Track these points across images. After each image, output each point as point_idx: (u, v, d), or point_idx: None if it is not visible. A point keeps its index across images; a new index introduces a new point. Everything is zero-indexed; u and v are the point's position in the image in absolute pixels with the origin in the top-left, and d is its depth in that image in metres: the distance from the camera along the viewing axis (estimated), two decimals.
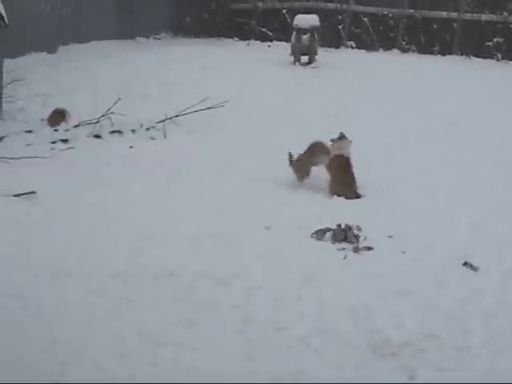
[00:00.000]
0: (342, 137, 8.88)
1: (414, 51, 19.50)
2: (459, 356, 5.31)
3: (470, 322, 5.76)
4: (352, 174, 8.64)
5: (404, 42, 19.87)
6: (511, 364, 5.22)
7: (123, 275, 6.20)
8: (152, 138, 10.87)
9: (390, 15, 20.16)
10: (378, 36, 19.88)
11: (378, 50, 19.52)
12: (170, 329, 5.41)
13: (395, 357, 5.23)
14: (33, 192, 7.98)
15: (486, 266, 6.79)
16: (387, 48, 19.68)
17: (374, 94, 13.88)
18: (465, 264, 6.79)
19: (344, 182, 8.55)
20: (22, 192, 7.94)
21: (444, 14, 19.65)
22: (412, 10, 19.92)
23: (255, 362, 5.09)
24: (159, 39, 19.69)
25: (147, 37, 19.46)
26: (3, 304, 5.55)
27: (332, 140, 8.88)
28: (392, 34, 20.02)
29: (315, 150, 8.87)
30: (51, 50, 16.30)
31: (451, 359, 5.26)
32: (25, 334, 5.14)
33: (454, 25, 19.69)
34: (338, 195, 8.47)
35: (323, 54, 17.19)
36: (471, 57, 19.08)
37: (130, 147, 10.35)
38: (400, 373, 5.05)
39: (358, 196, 8.56)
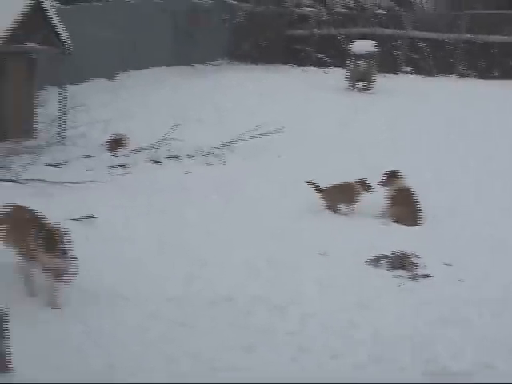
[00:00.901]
0: (395, 173, 8.81)
1: (472, 76, 19.27)
2: None
3: None
4: (415, 204, 8.59)
5: (462, 67, 19.67)
6: None
7: (179, 300, 6.23)
8: (208, 164, 10.96)
9: (448, 40, 20.01)
10: (435, 61, 19.74)
11: (435, 75, 19.37)
12: (225, 354, 5.40)
13: None
14: (91, 216, 8.12)
15: None
16: (445, 73, 19.52)
17: (432, 119, 13.78)
18: None
19: (408, 211, 8.51)
20: (81, 216, 8.08)
21: (504, 38, 19.42)
22: (470, 35, 19.74)
23: None
24: (216, 65, 19.90)
25: (204, 63, 19.70)
26: (67, 327, 5.63)
27: (385, 173, 8.82)
28: (450, 60, 19.85)
29: (347, 191, 8.89)
30: (111, 76, 16.64)
31: None
32: (84, 357, 5.21)
33: None
34: (400, 223, 8.45)
35: (380, 80, 17.13)
36: None
37: (187, 173, 10.45)
38: None
39: (417, 223, 8.50)
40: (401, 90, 16.49)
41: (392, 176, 8.80)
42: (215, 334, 5.71)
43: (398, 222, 8.52)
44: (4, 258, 6.27)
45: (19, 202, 7.92)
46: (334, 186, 8.90)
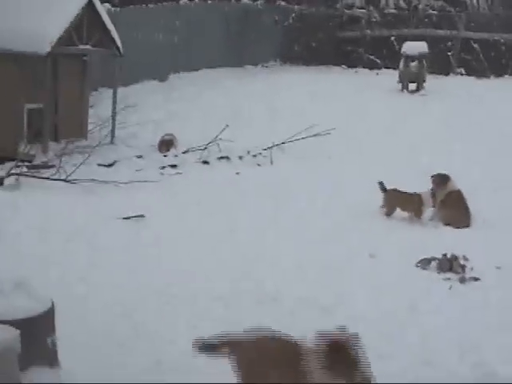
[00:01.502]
0: (445, 175, 8.70)
1: None
2: None
3: None
4: (466, 206, 8.49)
5: None
6: None
7: (226, 299, 6.25)
8: (258, 165, 11.00)
9: (502, 41, 19.74)
10: (488, 62, 19.48)
11: (488, 76, 19.11)
12: None
13: None
14: (142, 215, 8.21)
15: None
16: (498, 74, 19.25)
17: (484, 120, 13.60)
18: None
19: (458, 214, 8.42)
20: (132, 215, 8.18)
21: None
22: None
23: None
24: (267, 67, 19.96)
25: (255, 65, 19.79)
26: (115, 324, 5.70)
27: (435, 176, 8.72)
28: (504, 60, 19.58)
29: (411, 200, 8.71)
30: (163, 78, 16.82)
31: None
32: (132, 353, 5.26)
33: None
34: (450, 225, 8.37)
35: (432, 81, 16.98)
36: None
37: (237, 173, 10.50)
38: None
39: (467, 225, 8.41)
40: (453, 92, 16.31)
41: (442, 179, 8.70)
42: None
43: (448, 224, 8.43)
44: None
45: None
46: (402, 193, 8.77)
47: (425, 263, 7.19)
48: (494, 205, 9.00)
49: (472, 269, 7.09)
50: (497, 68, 19.43)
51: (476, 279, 6.90)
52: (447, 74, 19.31)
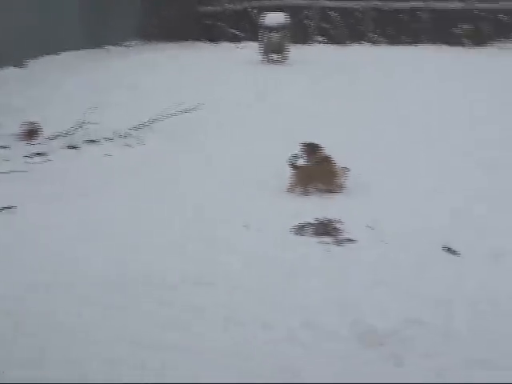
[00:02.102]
0: (314, 144, 8.83)
1: (383, 43, 19.62)
2: (445, 341, 5.34)
3: (454, 307, 5.80)
4: (337, 173, 8.60)
5: (373, 35, 19.97)
6: (496, 347, 5.27)
7: (109, 283, 6.16)
8: (128, 145, 10.84)
9: (359, 8, 20.27)
10: (347, 30, 19.99)
11: (348, 43, 19.62)
12: (153, 331, 5.40)
13: (382, 346, 5.26)
14: (10, 206, 7.95)
15: (467, 250, 6.85)
16: (357, 41, 19.79)
17: (347, 86, 13.97)
18: (447, 250, 6.85)
19: (330, 180, 8.54)
20: (2, 207, 7.91)
21: (411, 3, 19.81)
22: (379, 2, 20.06)
23: (243, 360, 5.10)
24: (128, 46, 19.67)
25: (116, 44, 19.43)
26: None
27: (304, 145, 8.81)
28: (361, 27, 20.14)
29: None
30: (19, 63, 16.19)
31: (437, 345, 5.30)
32: (11, 347, 5.13)
33: (422, 14, 19.83)
34: (323, 192, 8.49)
35: (294, 51, 17.24)
36: (440, 45, 19.25)
37: (106, 155, 10.31)
38: (387, 361, 5.08)
39: (339, 190, 8.55)
40: (315, 60, 16.67)
41: (312, 147, 8.84)
42: (142, 312, 5.67)
43: (320, 191, 8.57)
44: None
45: None
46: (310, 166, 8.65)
47: (300, 229, 7.33)
48: (361, 166, 9.21)
49: (347, 231, 7.29)
50: (355, 35, 19.95)
51: (351, 240, 7.11)
52: (308, 43, 19.67)
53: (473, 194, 8.43)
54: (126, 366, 4.98)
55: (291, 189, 8.50)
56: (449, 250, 6.86)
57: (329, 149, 8.85)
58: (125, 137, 11.07)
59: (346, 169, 8.52)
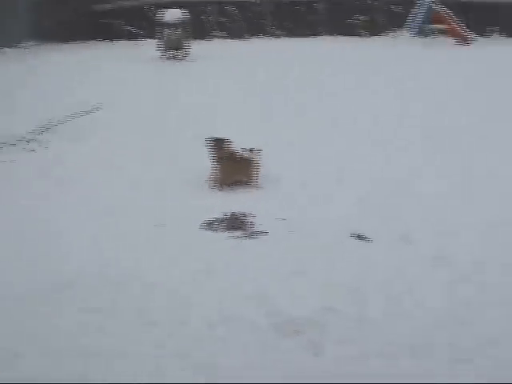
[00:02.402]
0: (220, 139, 8.81)
1: (282, 35, 19.83)
2: (360, 327, 5.47)
3: (367, 293, 5.94)
4: (247, 167, 8.63)
5: (272, 28, 20.16)
6: (412, 331, 5.43)
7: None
8: (31, 150, 10.58)
9: (256, 1, 20.41)
10: (245, 24, 20.10)
11: (247, 37, 19.73)
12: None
13: (299, 334, 5.34)
14: None
15: (376, 236, 7.03)
16: (256, 35, 19.93)
17: (247, 78, 14.05)
18: (356, 236, 7.01)
19: (239, 175, 8.57)
20: None
21: None
22: None
23: (165, 358, 5.08)
24: (24, 48, 19.17)
25: (12, 46, 18.90)
26: None
27: (210, 140, 8.79)
28: (259, 21, 20.28)
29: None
30: None
31: (353, 330, 5.42)
32: None
33: (318, 5, 20.14)
34: (232, 187, 8.51)
35: (195, 47, 17.20)
36: (337, 35, 19.62)
37: (12, 162, 9.99)
38: (305, 349, 5.17)
39: (251, 185, 8.57)
40: (216, 55, 16.68)
41: (217, 142, 8.83)
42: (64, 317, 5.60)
43: (230, 185, 8.57)
44: None
45: None
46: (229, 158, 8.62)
47: (212, 225, 7.35)
48: (273, 165, 9.17)
49: (259, 224, 7.35)
50: (254, 29, 20.08)
51: (263, 233, 7.17)
52: (207, 39, 19.66)
53: (379, 182, 8.64)
54: None
55: (208, 184, 8.50)
56: (358, 236, 7.03)
57: (238, 144, 8.87)
58: (27, 141, 10.80)
59: (258, 162, 8.57)
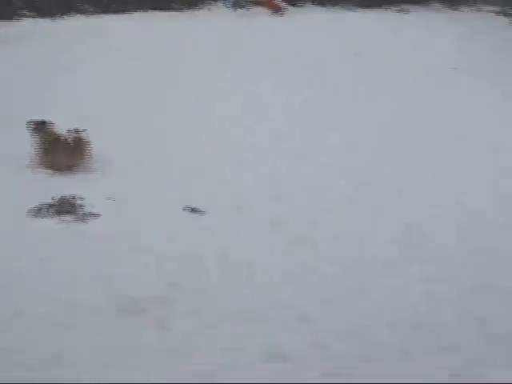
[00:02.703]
0: (41, 122, 8.47)
1: (95, 13, 19.40)
2: (200, 297, 5.56)
3: (208, 263, 6.02)
4: (67, 146, 8.31)
5: (83, 5, 19.67)
6: (253, 297, 5.59)
7: None
8: None
9: None
10: (54, 1, 19.43)
11: (58, 16, 19.07)
12: None
13: (145, 312, 5.34)
14: None
15: (207, 207, 7.08)
16: (67, 13, 19.32)
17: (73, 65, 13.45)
18: (190, 210, 7.04)
19: (60, 158, 8.26)
20: None
21: None
22: None
23: None
24: None
25: None
26: None
27: (32, 123, 8.42)
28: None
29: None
30: None
31: (194, 302, 5.50)
32: None
33: None
34: (50, 169, 8.18)
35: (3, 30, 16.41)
36: (152, 10, 19.51)
37: None
38: (153, 325, 5.18)
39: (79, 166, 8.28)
40: (32, 36, 16.00)
41: (38, 124, 8.48)
42: None
43: (47, 168, 8.14)
44: None
45: None
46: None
47: (39, 211, 7.06)
48: (109, 145, 8.78)
49: (89, 206, 7.16)
50: (63, 7, 19.41)
51: (96, 215, 7.02)
52: (13, 19, 18.73)
53: (206, 156, 8.62)
54: None
55: (31, 167, 8.12)
56: (192, 209, 7.06)
57: (70, 125, 8.45)
58: None
59: (89, 144, 8.27)
